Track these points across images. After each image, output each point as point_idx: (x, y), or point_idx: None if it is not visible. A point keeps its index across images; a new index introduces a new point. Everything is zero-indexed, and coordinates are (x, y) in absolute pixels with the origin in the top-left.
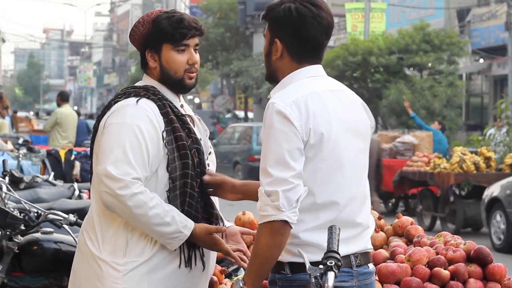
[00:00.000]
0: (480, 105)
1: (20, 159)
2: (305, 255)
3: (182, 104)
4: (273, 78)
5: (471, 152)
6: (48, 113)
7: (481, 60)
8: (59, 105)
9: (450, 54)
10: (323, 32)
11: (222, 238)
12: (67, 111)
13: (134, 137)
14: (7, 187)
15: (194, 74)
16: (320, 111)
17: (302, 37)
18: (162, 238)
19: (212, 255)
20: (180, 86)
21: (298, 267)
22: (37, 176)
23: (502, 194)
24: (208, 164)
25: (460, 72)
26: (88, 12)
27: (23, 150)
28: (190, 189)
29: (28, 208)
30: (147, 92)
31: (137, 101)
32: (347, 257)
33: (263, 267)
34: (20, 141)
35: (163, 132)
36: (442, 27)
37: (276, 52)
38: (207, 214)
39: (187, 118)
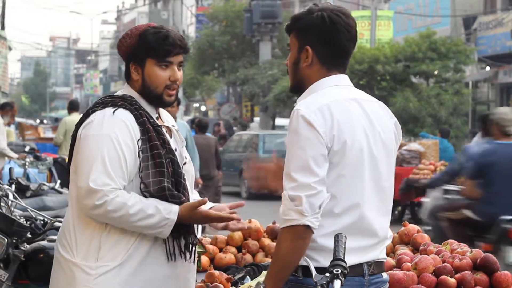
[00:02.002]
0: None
1: (26, 167)
2: (311, 262)
3: (158, 115)
4: (300, 87)
5: None
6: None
7: (488, 68)
8: (69, 113)
9: (457, 62)
10: (351, 41)
11: None
12: (75, 119)
13: (112, 148)
14: (13, 195)
15: (174, 91)
16: (344, 119)
17: (334, 45)
18: (151, 230)
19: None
20: (158, 101)
21: (311, 271)
22: (44, 184)
23: None
24: (184, 174)
25: (466, 80)
26: (95, 20)
27: (30, 158)
28: (171, 197)
29: (34, 216)
30: (124, 102)
31: (113, 111)
32: (360, 265)
33: (283, 270)
34: (27, 149)
35: (138, 140)
36: (449, 35)
37: (306, 59)
38: None
39: (163, 129)
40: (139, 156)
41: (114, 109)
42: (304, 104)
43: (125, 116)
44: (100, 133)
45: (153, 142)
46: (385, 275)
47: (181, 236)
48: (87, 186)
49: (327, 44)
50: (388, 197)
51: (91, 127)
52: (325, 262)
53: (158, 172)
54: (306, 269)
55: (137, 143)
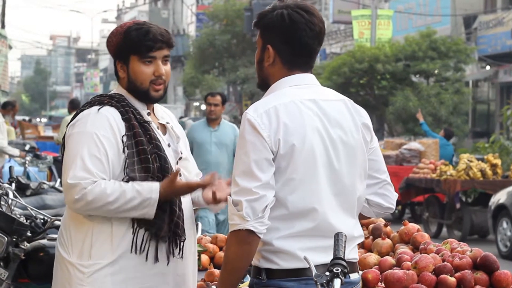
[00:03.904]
0: (486, 112)
1: (26, 165)
2: (311, 262)
3: (150, 112)
4: (265, 85)
5: (478, 159)
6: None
7: (488, 67)
8: (70, 112)
9: (457, 61)
10: (315, 38)
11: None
12: None
13: (93, 144)
14: (13, 193)
15: (161, 86)
16: (293, 122)
17: (294, 43)
18: (136, 212)
19: (192, 265)
20: (145, 97)
21: (274, 274)
22: (44, 183)
23: (508, 201)
24: (172, 169)
25: (466, 79)
26: (95, 19)
27: (30, 157)
28: None
29: (34, 215)
30: (111, 100)
31: (98, 109)
32: (325, 266)
33: (233, 275)
34: (27, 147)
35: (123, 136)
36: (449, 34)
37: (268, 59)
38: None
39: (152, 125)
40: (124, 152)
41: (100, 107)
42: (254, 107)
43: (109, 113)
44: (82, 130)
45: (138, 138)
46: (354, 276)
47: (166, 236)
48: (67, 183)
49: (288, 43)
50: (351, 195)
51: (76, 126)
52: (284, 264)
53: (143, 168)
54: (269, 272)
55: (122, 139)
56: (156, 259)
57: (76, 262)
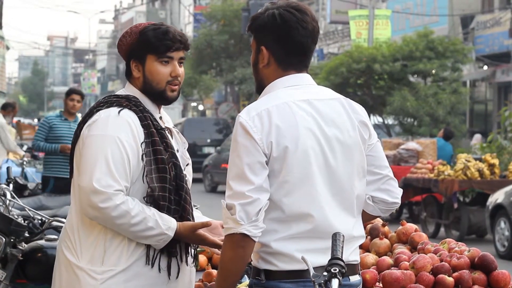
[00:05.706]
0: (484, 112)
1: (24, 166)
2: (309, 262)
3: (161, 116)
4: (262, 87)
5: (475, 159)
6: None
7: (485, 67)
8: None
9: (454, 61)
10: (309, 37)
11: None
12: None
13: (116, 149)
14: (11, 194)
15: (177, 87)
16: (286, 123)
17: (287, 42)
18: (146, 240)
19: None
20: (161, 98)
21: (272, 275)
22: (41, 183)
23: (506, 201)
24: (186, 175)
25: (464, 79)
26: (92, 20)
27: (27, 157)
28: (168, 203)
29: (32, 215)
30: (129, 103)
31: (119, 111)
32: (323, 267)
33: (228, 278)
34: (24, 148)
35: (142, 143)
36: (446, 34)
37: (263, 60)
38: None
39: (166, 131)
40: (142, 159)
41: (120, 109)
42: (247, 109)
43: (130, 117)
44: (104, 133)
45: (156, 146)
46: (355, 278)
47: (176, 251)
48: (91, 186)
49: (281, 42)
50: (349, 195)
51: (96, 127)
52: (283, 265)
53: (160, 177)
54: (268, 273)
55: (141, 146)
56: (169, 271)
57: (86, 267)
